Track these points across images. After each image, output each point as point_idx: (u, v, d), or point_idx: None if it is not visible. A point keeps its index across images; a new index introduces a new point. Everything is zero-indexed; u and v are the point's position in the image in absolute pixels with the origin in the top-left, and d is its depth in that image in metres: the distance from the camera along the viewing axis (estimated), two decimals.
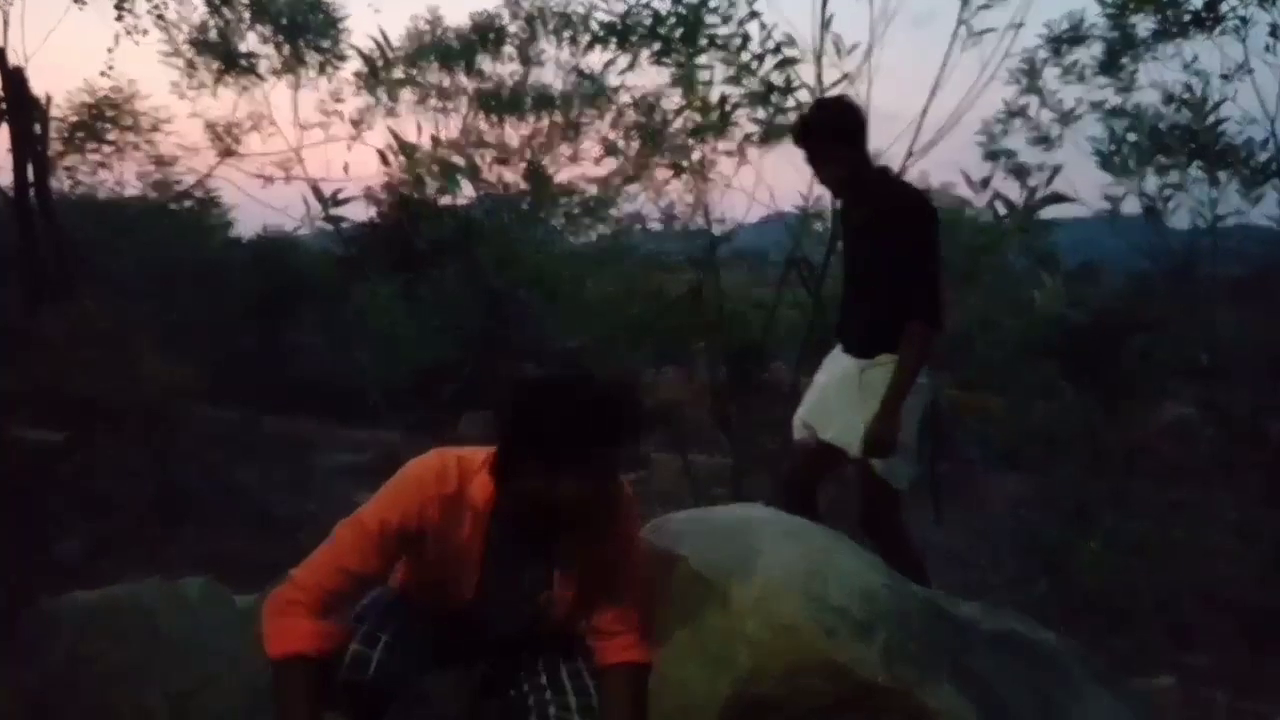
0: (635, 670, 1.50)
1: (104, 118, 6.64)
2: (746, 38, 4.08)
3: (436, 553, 1.41)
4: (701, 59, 4.21)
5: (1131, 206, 4.79)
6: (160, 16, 5.96)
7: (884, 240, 2.24)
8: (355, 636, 1.40)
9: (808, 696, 1.53)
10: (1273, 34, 4.59)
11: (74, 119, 6.59)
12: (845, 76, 3.99)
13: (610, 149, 7.07)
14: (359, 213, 7.17)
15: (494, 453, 1.39)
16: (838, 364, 2.38)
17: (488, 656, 1.57)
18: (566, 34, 7.04)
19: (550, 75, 7.23)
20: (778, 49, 4.02)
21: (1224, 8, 4.64)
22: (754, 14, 4.02)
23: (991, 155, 5.18)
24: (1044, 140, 5.16)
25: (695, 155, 4.69)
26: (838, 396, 2.31)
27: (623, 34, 4.32)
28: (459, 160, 4.44)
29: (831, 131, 2.30)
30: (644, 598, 1.55)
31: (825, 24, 3.97)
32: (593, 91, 6.82)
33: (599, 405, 1.32)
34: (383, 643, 1.40)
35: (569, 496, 1.30)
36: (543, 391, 1.34)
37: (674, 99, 4.58)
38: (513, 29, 7.02)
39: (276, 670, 1.34)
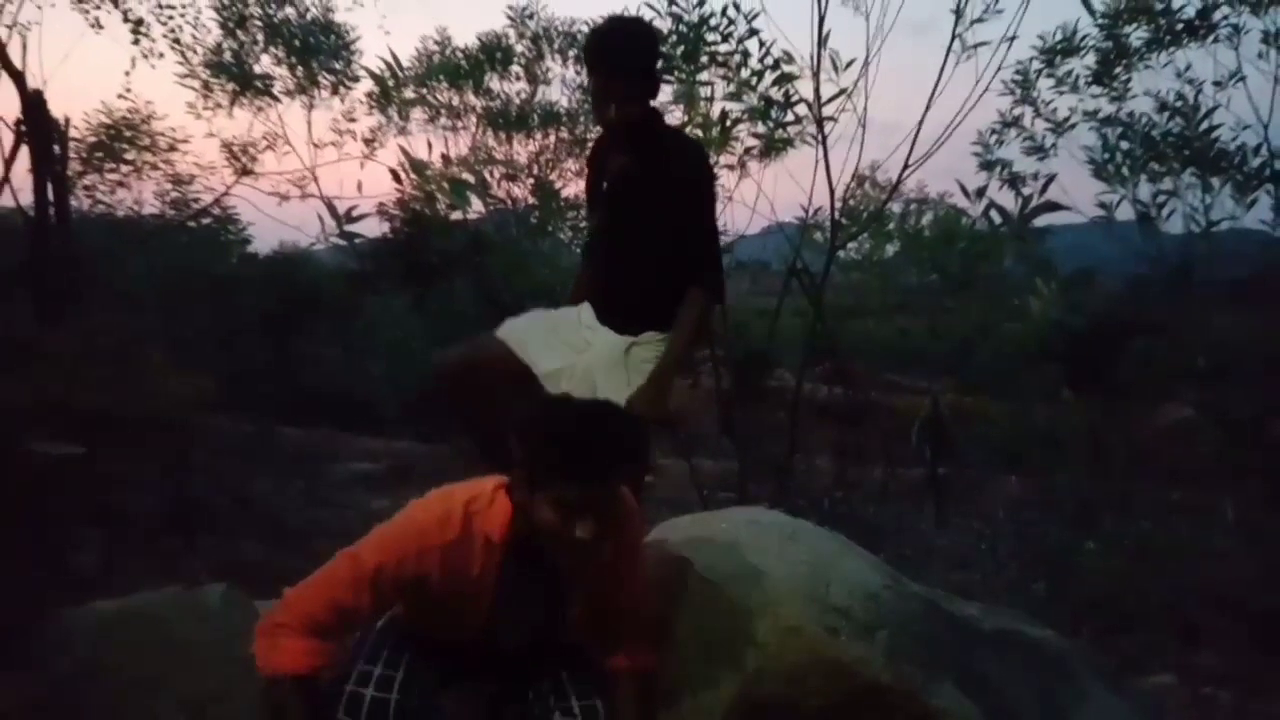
0: (642, 675, 1.53)
1: (122, 138, 6.74)
2: (746, 55, 4.16)
3: (441, 594, 1.41)
4: (703, 76, 4.30)
5: (1126, 213, 4.84)
6: (176, 40, 6.09)
7: (663, 199, 1.92)
8: (352, 679, 1.40)
9: (813, 697, 1.56)
10: (1265, 41, 4.65)
11: (92, 140, 6.71)
12: (842, 90, 4.07)
13: None
14: (372, 229, 7.27)
15: (510, 481, 1.39)
16: (597, 336, 2.02)
17: (496, 673, 1.58)
18: (572, 53, 7.16)
19: (556, 93, 7.36)
20: (776, 65, 4.10)
21: (1216, 16, 4.70)
22: (753, 31, 4.09)
23: (987, 165, 5.22)
24: (1038, 149, 5.21)
25: None
26: (604, 377, 1.96)
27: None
28: (469, 177, 4.53)
29: (636, 65, 1.91)
30: (648, 603, 1.57)
31: (822, 40, 4.04)
32: None
33: (603, 427, 1.33)
34: (398, 681, 1.41)
35: (589, 514, 1.31)
36: (553, 421, 1.35)
37: (676, 115, 4.66)
38: (520, 49, 7.14)
39: (269, 689, 1.36)
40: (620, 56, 1.91)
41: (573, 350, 2.01)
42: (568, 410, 1.36)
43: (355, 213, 4.46)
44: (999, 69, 4.10)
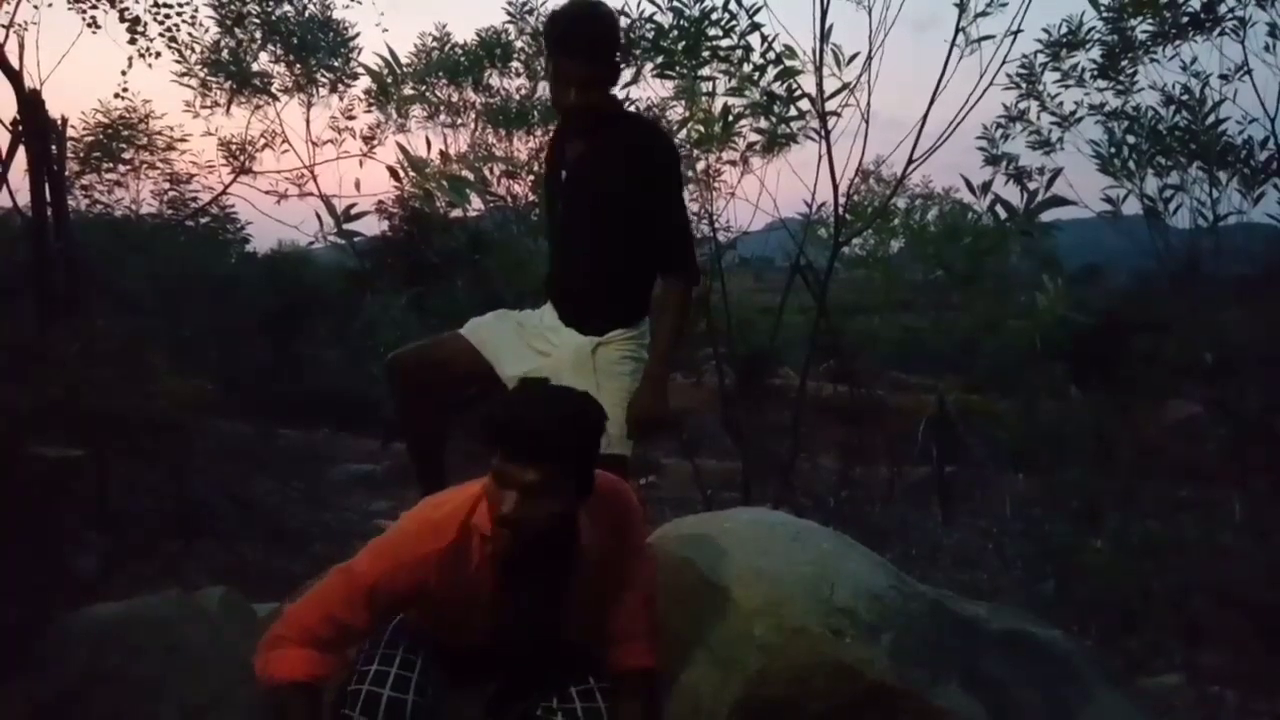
0: (645, 676, 1.52)
1: (119, 138, 6.76)
2: (748, 49, 4.12)
3: (442, 601, 1.41)
4: (704, 71, 4.27)
5: (1132, 207, 4.82)
6: (173, 39, 6.07)
7: (628, 184, 1.87)
8: (368, 679, 1.39)
9: (817, 698, 1.56)
10: (1271, 33, 4.62)
11: (90, 139, 6.72)
12: (845, 85, 4.05)
13: None
14: (371, 227, 7.27)
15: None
16: (560, 338, 1.97)
17: (499, 672, 1.57)
18: None
19: None
20: (779, 60, 4.07)
21: (1222, 9, 4.66)
22: (755, 26, 4.07)
23: (992, 160, 5.21)
24: (1044, 144, 5.19)
25: (699, 165, 4.74)
26: (571, 380, 1.84)
27: (626, 48, 4.37)
28: (468, 174, 4.51)
29: (599, 48, 1.87)
30: (652, 604, 1.56)
31: (825, 34, 4.02)
32: None
33: (546, 408, 1.31)
34: (414, 682, 1.40)
35: (530, 512, 1.30)
36: (505, 400, 1.38)
37: (678, 111, 4.64)
38: (519, 44, 7.11)
39: (272, 697, 1.36)
40: (583, 39, 1.85)
41: (537, 354, 1.98)
42: (519, 391, 1.39)
43: (354, 211, 4.45)
44: (1003, 63, 4.09)
